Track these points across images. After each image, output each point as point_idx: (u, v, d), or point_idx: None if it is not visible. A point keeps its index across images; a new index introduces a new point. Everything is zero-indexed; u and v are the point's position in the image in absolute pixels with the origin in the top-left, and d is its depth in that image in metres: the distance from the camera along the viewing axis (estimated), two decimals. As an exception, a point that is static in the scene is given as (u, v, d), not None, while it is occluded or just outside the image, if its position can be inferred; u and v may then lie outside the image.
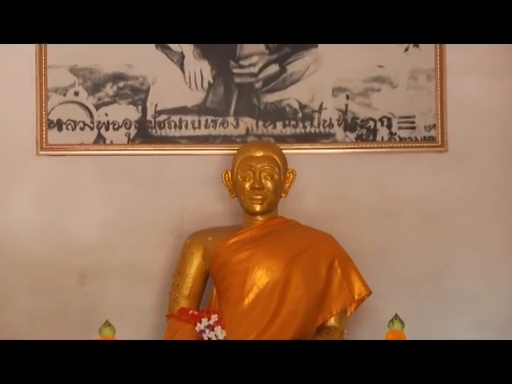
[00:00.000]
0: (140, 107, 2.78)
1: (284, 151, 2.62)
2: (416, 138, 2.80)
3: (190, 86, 2.79)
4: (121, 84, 2.78)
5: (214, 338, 2.29)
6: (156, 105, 2.78)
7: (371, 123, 2.80)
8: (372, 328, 2.57)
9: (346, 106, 2.79)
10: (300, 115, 2.80)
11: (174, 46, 2.75)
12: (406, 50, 2.75)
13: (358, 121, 2.80)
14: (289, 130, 2.80)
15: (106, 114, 2.78)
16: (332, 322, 2.48)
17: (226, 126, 2.80)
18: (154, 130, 2.79)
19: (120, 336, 2.28)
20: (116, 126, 2.78)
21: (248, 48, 2.75)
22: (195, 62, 2.77)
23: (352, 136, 2.81)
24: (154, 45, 2.72)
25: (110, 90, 2.78)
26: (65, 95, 2.78)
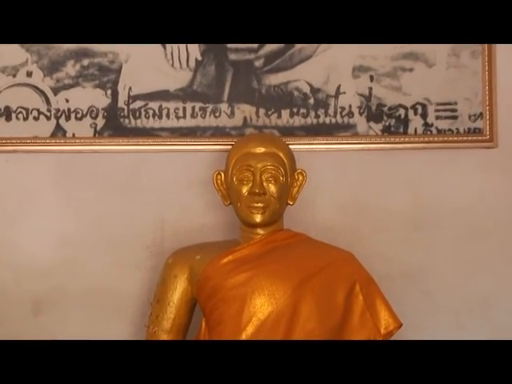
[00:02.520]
0: (109, 91, 2.77)
1: (291, 147, 2.58)
2: (458, 130, 2.78)
3: (172, 65, 2.78)
4: (85, 62, 2.77)
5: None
6: (130, 88, 2.77)
7: (401, 111, 2.78)
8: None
9: (370, 89, 2.78)
10: (311, 101, 2.78)
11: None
12: (445, 19, 2.74)
13: (385, 108, 2.78)
14: (297, 121, 2.78)
15: (67, 100, 2.77)
16: (352, 361, 2.46)
17: (218, 114, 2.78)
18: (127, 120, 2.77)
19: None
20: (79, 115, 2.77)
21: (246, 17, 2.75)
22: (179, 35, 2.75)
23: (377, 128, 2.79)
24: (127, 14, 2.73)
25: (71, 69, 2.77)
26: (14, 76, 2.78)
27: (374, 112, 2.77)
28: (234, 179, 2.48)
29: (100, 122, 2.76)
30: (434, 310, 2.75)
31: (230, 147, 2.58)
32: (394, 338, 2.48)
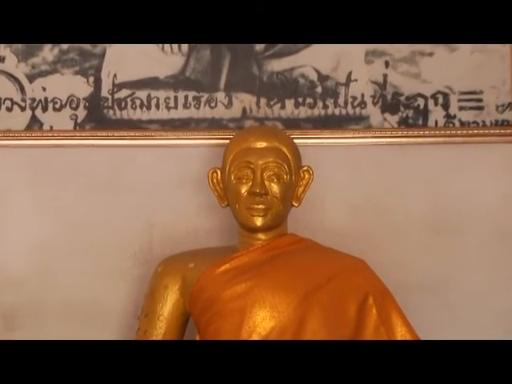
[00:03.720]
0: (92, 79, 2.75)
1: (296, 141, 2.55)
2: (484, 122, 2.75)
3: (162, 49, 2.76)
4: (64, 46, 2.75)
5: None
6: (115, 75, 2.74)
7: (420, 101, 2.75)
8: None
9: (385, 76, 2.74)
10: (319, 90, 2.74)
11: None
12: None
13: (402, 98, 2.75)
14: (303, 112, 2.75)
15: (44, 89, 2.74)
16: (365, 380, 2.46)
17: (213, 105, 2.75)
18: (111, 112, 2.75)
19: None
20: (58, 106, 2.74)
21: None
22: (171, 16, 2.70)
23: (393, 120, 2.75)
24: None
25: (48, 54, 2.75)
26: (-16, 62, 2.76)
27: (390, 102, 2.74)
28: (232, 178, 2.45)
29: (81, 113, 2.73)
30: (456, 324, 2.72)
31: (227, 141, 2.55)
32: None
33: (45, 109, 2.72)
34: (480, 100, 2.73)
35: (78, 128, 2.73)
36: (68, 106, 2.73)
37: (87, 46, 2.72)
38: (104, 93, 2.73)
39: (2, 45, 2.72)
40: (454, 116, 2.74)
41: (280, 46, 2.73)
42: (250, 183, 2.42)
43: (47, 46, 2.71)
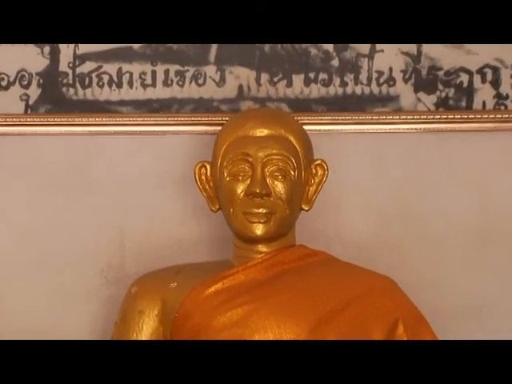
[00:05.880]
0: (47, 49, 2.61)
1: (307, 128, 2.42)
2: None
3: None
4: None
5: None
6: (76, 45, 2.60)
7: (463, 78, 2.60)
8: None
9: (419, 46, 2.59)
10: (335, 63, 2.60)
11: None
12: None
13: (441, 73, 2.60)
14: (315, 91, 2.61)
15: None
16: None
17: (202, 82, 2.61)
18: (71, 90, 2.63)
19: None
20: (4, 83, 2.63)
21: None
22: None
23: (429, 101, 2.60)
24: None
25: None
26: None
27: (425, 78, 2.60)
28: (225, 174, 2.32)
29: (34, 92, 2.61)
30: (505, 357, 2.56)
31: (219, 128, 2.43)
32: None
33: (-10, 88, 2.64)
34: (539, 77, 2.63)
35: (29, 111, 2.62)
36: (17, 83, 2.61)
37: (42, 9, 2.60)
38: (63, 67, 2.60)
39: None
40: (506, 96, 2.59)
41: (286, 6, 2.61)
42: (248, 181, 2.29)
43: (-10, 8, 2.58)
